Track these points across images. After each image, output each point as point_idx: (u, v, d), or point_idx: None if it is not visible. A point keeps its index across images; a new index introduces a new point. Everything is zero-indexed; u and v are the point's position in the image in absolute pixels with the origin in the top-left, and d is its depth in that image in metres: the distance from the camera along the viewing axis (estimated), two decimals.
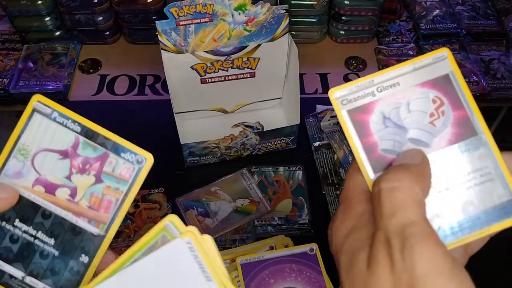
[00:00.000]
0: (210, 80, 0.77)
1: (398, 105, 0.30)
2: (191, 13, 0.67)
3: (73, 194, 0.32)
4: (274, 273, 0.59)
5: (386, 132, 0.30)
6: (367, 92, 0.30)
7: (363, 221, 0.28)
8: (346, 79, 0.94)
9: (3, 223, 0.32)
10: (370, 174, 0.30)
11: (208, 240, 0.29)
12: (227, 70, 0.76)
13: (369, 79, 0.30)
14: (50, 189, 0.32)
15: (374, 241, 0.26)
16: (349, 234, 0.28)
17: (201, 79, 0.77)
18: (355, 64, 0.97)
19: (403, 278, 0.24)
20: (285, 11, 0.70)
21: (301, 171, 0.77)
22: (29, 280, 0.32)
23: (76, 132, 0.33)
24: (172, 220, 0.29)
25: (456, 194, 0.29)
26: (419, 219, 0.25)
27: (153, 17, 0.95)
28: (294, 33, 0.96)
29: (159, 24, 0.67)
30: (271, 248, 0.65)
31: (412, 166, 0.28)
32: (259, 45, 0.74)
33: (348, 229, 0.29)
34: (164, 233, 0.29)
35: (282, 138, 0.77)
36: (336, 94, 0.30)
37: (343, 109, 0.30)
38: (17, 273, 0.32)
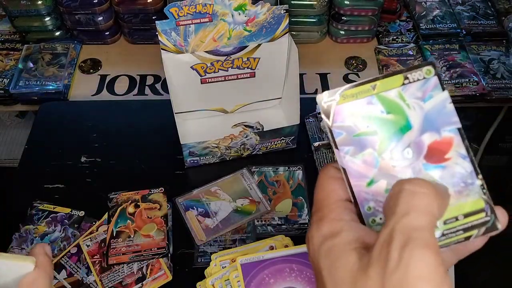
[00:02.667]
0: (210, 80, 0.77)
1: None
2: (191, 13, 0.67)
3: None
4: (274, 273, 0.59)
5: None
6: None
7: (341, 226, 0.29)
8: (346, 79, 0.94)
9: None
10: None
11: None
12: (227, 70, 0.76)
13: None
14: None
15: (376, 241, 0.26)
16: (326, 239, 0.29)
17: (201, 79, 0.76)
18: (355, 64, 0.97)
19: (394, 278, 0.24)
20: (285, 11, 0.70)
21: (301, 171, 0.76)
22: None
23: None
24: None
25: None
26: (428, 227, 0.26)
27: (153, 17, 0.95)
28: (294, 33, 0.96)
29: (159, 24, 0.67)
30: (271, 248, 0.64)
31: (439, 187, 0.28)
32: (259, 45, 0.74)
33: (324, 235, 0.29)
34: None
35: (282, 138, 0.77)
36: None
37: None
38: None
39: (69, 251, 0.68)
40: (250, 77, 0.78)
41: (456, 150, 0.29)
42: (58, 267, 0.66)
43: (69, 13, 0.95)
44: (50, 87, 0.91)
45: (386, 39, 1.01)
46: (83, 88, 0.93)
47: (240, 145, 0.75)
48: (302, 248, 0.61)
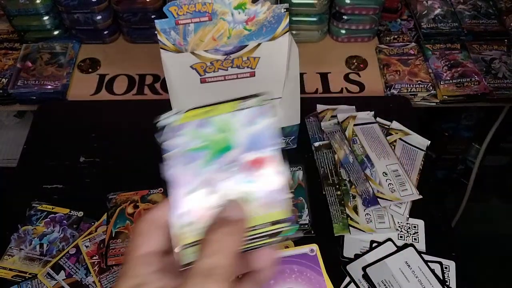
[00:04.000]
0: (209, 79, 0.76)
1: None
2: (191, 12, 0.67)
3: None
4: (275, 274, 0.59)
5: None
6: None
7: (137, 282, 0.31)
8: (347, 78, 0.93)
9: None
10: None
11: None
12: (227, 70, 0.76)
13: None
14: None
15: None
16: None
17: (200, 78, 0.76)
18: (356, 64, 0.96)
19: None
20: (285, 10, 0.69)
21: (301, 171, 0.76)
22: None
23: None
24: None
25: None
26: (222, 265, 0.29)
27: (152, 16, 0.95)
28: (294, 32, 0.96)
29: (158, 23, 0.67)
30: None
31: (233, 223, 0.32)
32: (259, 44, 0.73)
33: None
34: None
35: (282, 138, 0.76)
36: None
37: None
38: None
39: (68, 251, 0.67)
40: (250, 76, 0.78)
41: (273, 167, 0.35)
42: (56, 268, 0.66)
43: (67, 12, 0.94)
44: (49, 87, 0.90)
45: (387, 38, 1.01)
46: (82, 87, 0.92)
47: None
48: (302, 249, 0.61)
